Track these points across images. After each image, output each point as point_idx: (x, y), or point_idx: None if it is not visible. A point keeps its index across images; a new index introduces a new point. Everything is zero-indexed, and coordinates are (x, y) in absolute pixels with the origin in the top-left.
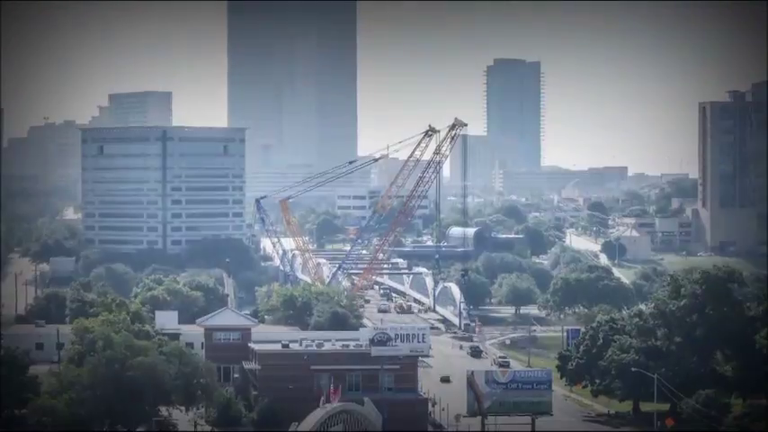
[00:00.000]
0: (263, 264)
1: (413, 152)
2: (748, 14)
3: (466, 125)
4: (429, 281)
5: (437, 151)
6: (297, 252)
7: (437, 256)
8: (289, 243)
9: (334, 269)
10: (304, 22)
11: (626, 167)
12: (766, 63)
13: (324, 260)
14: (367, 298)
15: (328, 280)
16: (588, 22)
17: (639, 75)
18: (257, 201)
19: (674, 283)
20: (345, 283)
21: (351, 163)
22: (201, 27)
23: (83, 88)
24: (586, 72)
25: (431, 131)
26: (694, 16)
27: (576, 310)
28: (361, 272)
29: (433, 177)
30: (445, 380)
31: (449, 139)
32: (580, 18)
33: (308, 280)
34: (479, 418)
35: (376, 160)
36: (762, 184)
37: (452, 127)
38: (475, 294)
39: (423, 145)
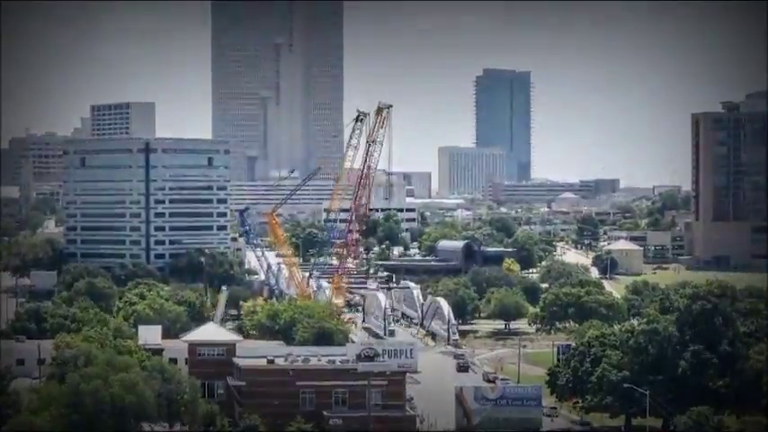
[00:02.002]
0: (247, 277)
1: (350, 139)
2: (742, 25)
3: (391, 106)
4: (417, 294)
5: (370, 138)
6: (283, 266)
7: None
8: (273, 256)
9: (322, 282)
10: (289, 32)
11: (617, 180)
12: (766, 73)
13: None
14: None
15: (314, 294)
16: (579, 33)
17: (631, 86)
18: (240, 213)
19: (666, 299)
20: (330, 294)
21: (291, 172)
22: (185, 37)
23: (64, 99)
24: (577, 83)
25: (361, 116)
26: (687, 27)
27: (567, 325)
28: (331, 281)
29: (375, 167)
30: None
31: (379, 124)
32: (571, 28)
33: (294, 294)
34: None
35: (316, 170)
36: (756, 197)
37: (378, 111)
38: (463, 309)
39: (357, 131)
